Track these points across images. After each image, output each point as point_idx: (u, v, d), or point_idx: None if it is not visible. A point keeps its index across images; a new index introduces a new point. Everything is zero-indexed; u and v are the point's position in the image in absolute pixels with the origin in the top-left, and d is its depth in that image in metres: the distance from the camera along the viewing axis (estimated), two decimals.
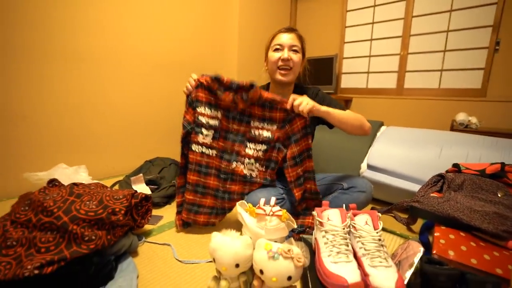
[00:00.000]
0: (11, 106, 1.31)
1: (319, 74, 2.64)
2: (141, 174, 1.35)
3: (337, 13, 2.77)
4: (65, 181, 1.20)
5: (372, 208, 1.16)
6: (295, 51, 1.00)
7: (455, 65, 2.19)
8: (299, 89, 1.10)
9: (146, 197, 0.98)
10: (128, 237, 0.89)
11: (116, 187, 1.40)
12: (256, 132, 0.97)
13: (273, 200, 0.72)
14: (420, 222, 1.07)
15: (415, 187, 1.17)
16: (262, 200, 0.73)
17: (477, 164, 1.09)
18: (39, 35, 1.35)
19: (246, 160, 0.99)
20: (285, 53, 0.98)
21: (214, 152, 1.00)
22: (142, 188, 1.33)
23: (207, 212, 1.01)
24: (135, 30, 1.71)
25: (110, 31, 1.60)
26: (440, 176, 1.08)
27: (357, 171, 1.38)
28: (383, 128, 1.61)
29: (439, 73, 2.27)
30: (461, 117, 1.91)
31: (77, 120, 1.53)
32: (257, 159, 0.99)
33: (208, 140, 0.99)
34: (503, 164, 1.04)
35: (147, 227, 1.08)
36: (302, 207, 0.96)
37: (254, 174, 0.99)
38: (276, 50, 1.00)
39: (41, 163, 1.39)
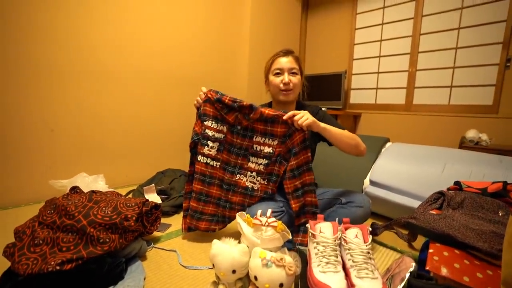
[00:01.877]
0: (43, 120, 1.47)
1: (328, 90, 2.70)
2: (153, 184, 1.44)
3: (346, 30, 2.86)
4: (85, 189, 1.31)
5: (372, 223, 1.18)
6: (294, 73, 1.09)
7: (465, 81, 2.18)
8: (301, 107, 1.16)
9: (156, 206, 1.06)
10: (138, 242, 0.97)
11: (130, 195, 1.50)
12: (258, 148, 1.03)
13: (269, 211, 0.78)
14: (421, 240, 1.07)
15: (417, 204, 1.18)
16: (259, 212, 0.78)
17: (479, 183, 1.10)
18: (65, 56, 1.51)
19: (249, 173, 1.05)
20: (286, 77, 1.06)
21: (218, 163, 1.07)
22: (153, 197, 1.43)
23: (209, 219, 1.08)
24: (151, 48, 1.86)
25: (128, 49, 1.75)
26: (441, 194, 1.08)
27: (360, 187, 1.41)
28: (388, 144, 1.63)
29: (448, 89, 2.26)
30: (471, 134, 1.89)
31: (97, 132, 1.67)
32: (258, 173, 1.05)
33: (213, 152, 1.06)
34: (505, 183, 1.03)
35: (156, 233, 1.16)
36: (300, 221, 0.99)
37: (255, 187, 1.05)
38: (277, 74, 1.08)
39: (65, 171, 1.53)
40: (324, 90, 2.72)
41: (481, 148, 1.79)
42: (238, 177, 1.07)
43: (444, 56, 2.27)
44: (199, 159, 1.07)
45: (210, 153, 1.06)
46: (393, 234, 1.21)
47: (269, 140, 1.02)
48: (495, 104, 2.05)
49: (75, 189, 1.01)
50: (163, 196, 1.46)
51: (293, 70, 1.08)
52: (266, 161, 1.03)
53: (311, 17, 3.16)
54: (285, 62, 1.08)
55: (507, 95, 2.00)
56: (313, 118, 0.95)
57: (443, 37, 2.26)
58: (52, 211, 0.85)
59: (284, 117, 0.97)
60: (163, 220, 1.30)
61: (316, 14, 3.11)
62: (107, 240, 0.81)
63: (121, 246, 0.85)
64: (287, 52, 1.10)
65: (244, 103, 1.01)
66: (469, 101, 2.17)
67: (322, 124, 0.96)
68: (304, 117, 0.93)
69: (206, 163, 1.07)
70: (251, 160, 1.05)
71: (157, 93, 1.93)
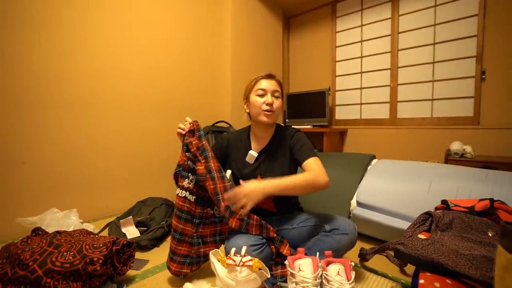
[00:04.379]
0: (11, 152, 1.39)
1: (313, 107, 2.71)
2: (130, 217, 1.36)
3: (327, 48, 2.92)
4: (55, 226, 1.23)
5: (361, 249, 1.12)
6: (277, 96, 1.08)
7: (445, 94, 2.22)
8: (279, 129, 1.15)
9: (128, 243, 0.98)
10: (107, 286, 0.88)
11: (106, 230, 1.41)
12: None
13: (243, 249, 0.72)
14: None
15: (405, 225, 1.14)
16: (233, 250, 0.72)
17: (466, 201, 1.06)
18: (38, 83, 1.45)
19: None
20: (269, 98, 1.05)
21: (195, 197, 1.01)
22: (131, 230, 1.34)
23: (180, 261, 0.97)
24: (129, 74, 1.82)
25: (105, 76, 1.71)
26: (428, 214, 1.05)
27: (347, 208, 1.36)
28: (374, 161, 1.61)
29: (430, 102, 2.30)
30: (455, 146, 1.89)
31: (73, 162, 1.59)
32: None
33: (192, 185, 1.00)
34: (492, 200, 1.00)
35: (131, 272, 1.06)
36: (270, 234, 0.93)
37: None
38: (260, 95, 1.07)
39: (38, 207, 1.43)
40: (309, 107, 2.73)
41: (466, 161, 1.78)
42: (208, 209, 1.02)
43: (423, 70, 2.32)
44: (177, 193, 1.00)
45: (190, 186, 1.00)
46: (384, 257, 1.16)
47: None
48: (476, 115, 2.08)
49: (36, 231, 0.93)
50: (141, 228, 1.37)
51: (276, 93, 1.08)
52: None
53: (292, 37, 3.24)
54: (269, 84, 1.08)
55: (486, 106, 2.03)
56: (252, 202, 0.86)
57: (420, 52, 2.33)
58: (5, 261, 0.76)
59: (225, 199, 0.92)
60: (141, 255, 1.21)
61: (297, 34, 3.19)
62: None
63: None
64: (270, 76, 1.11)
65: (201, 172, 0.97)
66: (450, 113, 2.20)
67: (267, 190, 0.88)
68: (242, 210, 0.86)
69: (185, 197, 0.99)
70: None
71: (137, 119, 1.88)
